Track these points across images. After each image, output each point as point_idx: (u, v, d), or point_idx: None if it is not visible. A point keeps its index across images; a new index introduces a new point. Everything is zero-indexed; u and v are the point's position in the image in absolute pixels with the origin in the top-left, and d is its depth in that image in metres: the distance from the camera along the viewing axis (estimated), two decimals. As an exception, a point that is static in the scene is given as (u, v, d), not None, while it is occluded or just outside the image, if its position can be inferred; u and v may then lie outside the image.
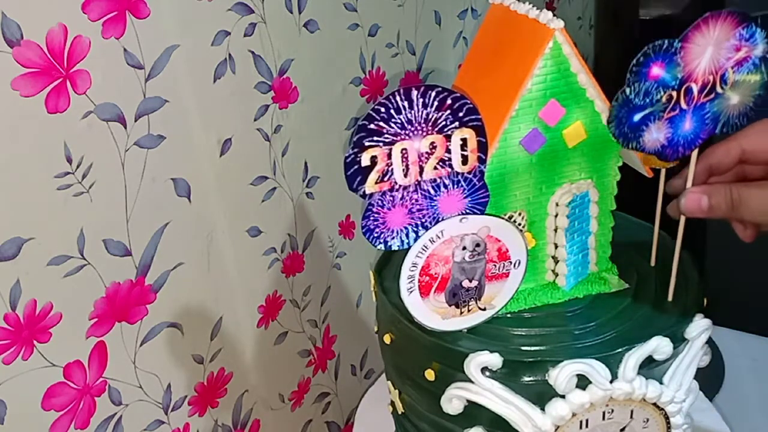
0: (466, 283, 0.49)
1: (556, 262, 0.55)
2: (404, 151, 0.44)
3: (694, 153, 0.50)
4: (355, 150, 0.43)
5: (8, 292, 0.50)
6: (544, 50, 0.48)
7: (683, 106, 0.47)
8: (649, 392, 0.49)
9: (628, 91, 0.46)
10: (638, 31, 1.59)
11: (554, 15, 0.48)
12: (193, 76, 0.61)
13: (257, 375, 0.75)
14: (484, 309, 0.50)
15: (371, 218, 0.45)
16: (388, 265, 0.60)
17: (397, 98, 0.42)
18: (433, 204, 0.46)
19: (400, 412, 0.59)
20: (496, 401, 0.48)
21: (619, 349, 0.48)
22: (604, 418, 0.50)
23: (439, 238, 0.46)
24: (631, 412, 0.50)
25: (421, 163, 0.45)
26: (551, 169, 0.52)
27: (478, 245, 0.47)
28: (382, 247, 0.47)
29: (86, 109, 0.53)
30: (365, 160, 0.43)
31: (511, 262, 0.49)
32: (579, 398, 0.47)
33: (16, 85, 0.48)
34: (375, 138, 0.43)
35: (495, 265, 0.49)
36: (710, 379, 0.85)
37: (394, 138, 0.43)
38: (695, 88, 0.47)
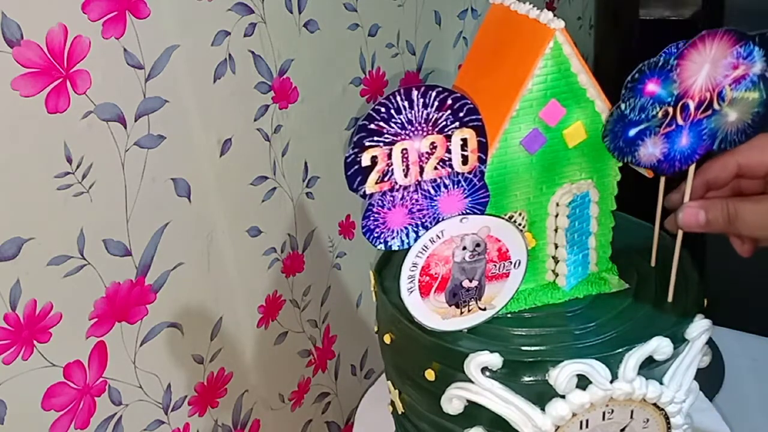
0: (466, 283, 0.49)
1: (557, 262, 0.55)
2: (404, 151, 0.44)
3: (692, 168, 0.50)
4: (356, 150, 0.43)
5: (8, 292, 0.50)
6: (544, 50, 0.48)
7: (680, 121, 0.47)
8: (649, 392, 0.49)
9: (623, 106, 0.46)
10: (638, 31, 1.59)
11: (554, 15, 0.48)
12: (193, 76, 0.61)
13: (257, 375, 0.75)
14: (485, 309, 0.50)
15: (371, 218, 0.45)
16: (388, 265, 0.60)
17: (398, 98, 0.42)
18: (433, 204, 0.46)
19: (400, 412, 0.59)
20: (497, 401, 0.48)
21: (620, 350, 0.48)
22: (604, 419, 0.50)
23: (439, 238, 0.46)
24: (632, 412, 0.50)
25: (421, 163, 0.45)
26: (552, 169, 0.52)
27: (478, 245, 0.47)
28: (382, 247, 0.47)
29: (86, 109, 0.53)
30: (365, 160, 0.43)
31: (511, 262, 0.49)
32: (579, 398, 0.47)
33: (16, 85, 0.48)
34: (375, 138, 0.43)
35: (495, 265, 0.49)
36: (710, 379, 0.85)
37: (395, 138, 0.43)
38: (692, 105, 0.47)
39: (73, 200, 0.53)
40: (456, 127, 0.44)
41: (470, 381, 0.48)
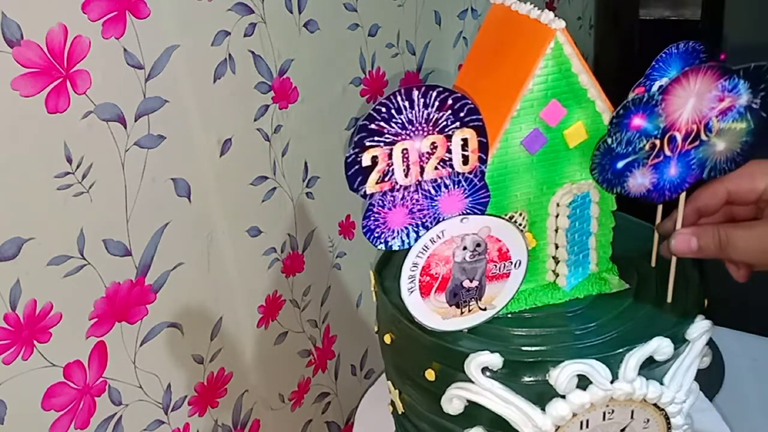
0: (466, 283, 0.49)
1: (557, 262, 0.55)
2: (405, 151, 0.44)
3: (682, 196, 0.51)
4: (356, 150, 0.43)
5: (8, 292, 0.50)
6: (545, 50, 0.48)
7: (667, 153, 0.48)
8: (649, 393, 0.49)
9: (609, 140, 0.46)
10: (638, 31, 1.59)
11: (554, 15, 0.48)
12: (193, 76, 0.61)
13: (257, 375, 0.75)
14: (485, 309, 0.50)
15: (372, 218, 0.45)
16: (389, 265, 0.59)
17: (398, 98, 0.42)
18: (433, 204, 0.46)
19: (400, 412, 0.59)
20: (497, 401, 0.48)
21: (620, 350, 0.48)
22: (604, 419, 0.50)
23: (439, 238, 0.46)
24: (632, 412, 0.50)
25: (422, 163, 0.45)
26: (552, 169, 0.52)
27: (478, 245, 0.47)
28: (382, 247, 0.46)
29: (86, 109, 0.53)
30: (366, 160, 0.43)
31: (511, 262, 0.49)
32: (579, 398, 0.47)
33: (16, 85, 0.48)
34: (376, 138, 0.43)
35: (496, 265, 0.49)
36: (710, 380, 0.85)
37: (395, 138, 0.43)
38: (679, 137, 0.47)
39: (73, 200, 0.53)
40: (457, 127, 0.44)
41: (470, 381, 0.48)
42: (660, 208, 0.54)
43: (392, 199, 0.45)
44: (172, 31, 0.58)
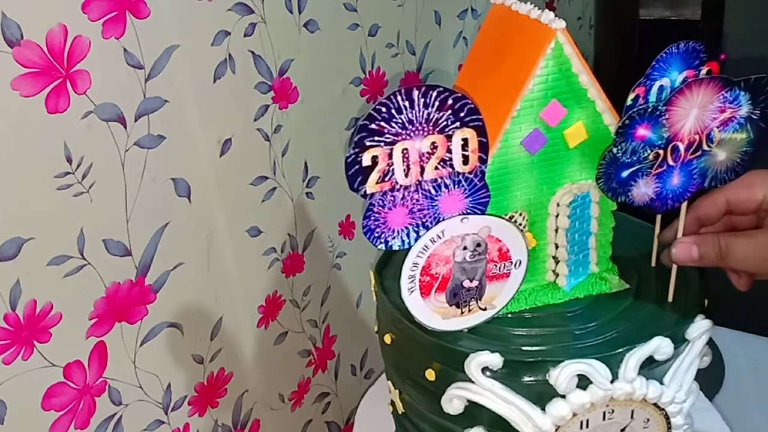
0: (466, 283, 0.49)
1: (557, 262, 0.55)
2: (405, 151, 0.44)
3: (684, 205, 0.52)
4: (356, 150, 0.43)
5: (8, 292, 0.50)
6: (545, 50, 0.48)
7: (670, 162, 0.49)
8: (649, 393, 0.49)
9: (615, 150, 0.47)
10: (638, 31, 1.59)
11: (555, 15, 0.48)
12: (193, 76, 0.61)
13: (257, 375, 0.75)
14: (485, 309, 0.50)
15: (372, 218, 0.45)
16: (389, 264, 0.59)
17: (399, 98, 0.42)
18: (434, 204, 0.46)
19: (400, 412, 0.59)
20: (497, 401, 0.48)
21: (620, 350, 0.48)
22: (604, 419, 0.50)
23: (440, 238, 0.46)
24: (632, 412, 0.50)
25: (422, 163, 0.45)
26: (552, 169, 0.52)
27: (479, 245, 0.47)
28: (382, 247, 0.46)
29: (86, 109, 0.53)
30: (366, 160, 0.43)
31: (511, 262, 0.49)
32: (579, 398, 0.47)
33: (16, 85, 0.48)
34: (376, 138, 0.43)
35: (496, 265, 0.49)
36: (710, 379, 0.85)
37: (395, 138, 0.43)
38: (682, 147, 0.49)
39: (73, 200, 0.53)
40: (457, 127, 0.44)
41: (471, 381, 0.48)
42: (659, 216, 0.55)
43: (392, 199, 0.45)
44: (172, 31, 0.58)
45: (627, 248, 0.57)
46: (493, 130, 0.47)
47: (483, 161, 0.46)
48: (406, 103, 0.42)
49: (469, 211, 0.47)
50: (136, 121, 0.57)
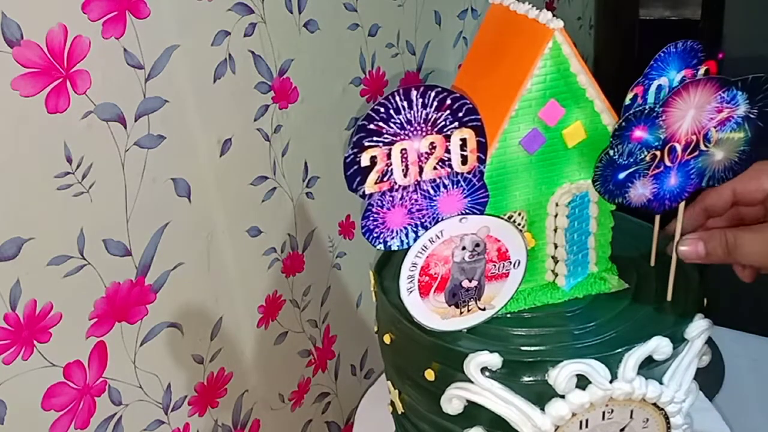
0: (465, 283, 0.49)
1: (556, 262, 0.55)
2: (404, 152, 0.44)
3: (681, 205, 0.51)
4: (355, 150, 0.43)
5: (8, 292, 0.50)
6: (543, 50, 0.48)
7: (667, 163, 0.49)
8: (648, 392, 0.49)
9: (611, 152, 0.47)
10: (638, 31, 1.59)
11: (554, 15, 0.48)
12: (193, 76, 0.61)
13: (257, 375, 0.75)
14: (484, 309, 0.50)
15: (371, 218, 0.45)
16: (388, 265, 0.60)
17: (397, 98, 0.42)
18: (432, 204, 0.46)
19: (400, 412, 0.59)
20: (496, 401, 0.48)
21: (619, 349, 0.48)
22: (603, 418, 0.50)
23: (438, 238, 0.46)
24: (631, 412, 0.50)
25: (420, 163, 0.45)
26: (551, 169, 0.52)
27: (477, 245, 0.47)
28: (381, 247, 0.47)
29: (86, 109, 0.53)
30: (365, 160, 0.43)
31: (510, 262, 0.49)
32: (579, 398, 0.47)
33: (16, 85, 0.48)
34: (375, 138, 0.43)
35: (495, 265, 0.49)
36: (710, 379, 0.85)
37: (394, 138, 0.43)
38: (679, 147, 0.48)
39: (73, 200, 0.53)
40: (455, 127, 0.44)
41: (470, 381, 0.48)
42: (658, 216, 0.54)
43: (391, 199, 0.45)
44: (172, 31, 0.58)
45: (626, 248, 0.57)
46: (491, 130, 0.47)
47: (482, 161, 0.46)
48: (405, 104, 0.42)
49: (467, 211, 0.47)
50: (136, 121, 0.57)
